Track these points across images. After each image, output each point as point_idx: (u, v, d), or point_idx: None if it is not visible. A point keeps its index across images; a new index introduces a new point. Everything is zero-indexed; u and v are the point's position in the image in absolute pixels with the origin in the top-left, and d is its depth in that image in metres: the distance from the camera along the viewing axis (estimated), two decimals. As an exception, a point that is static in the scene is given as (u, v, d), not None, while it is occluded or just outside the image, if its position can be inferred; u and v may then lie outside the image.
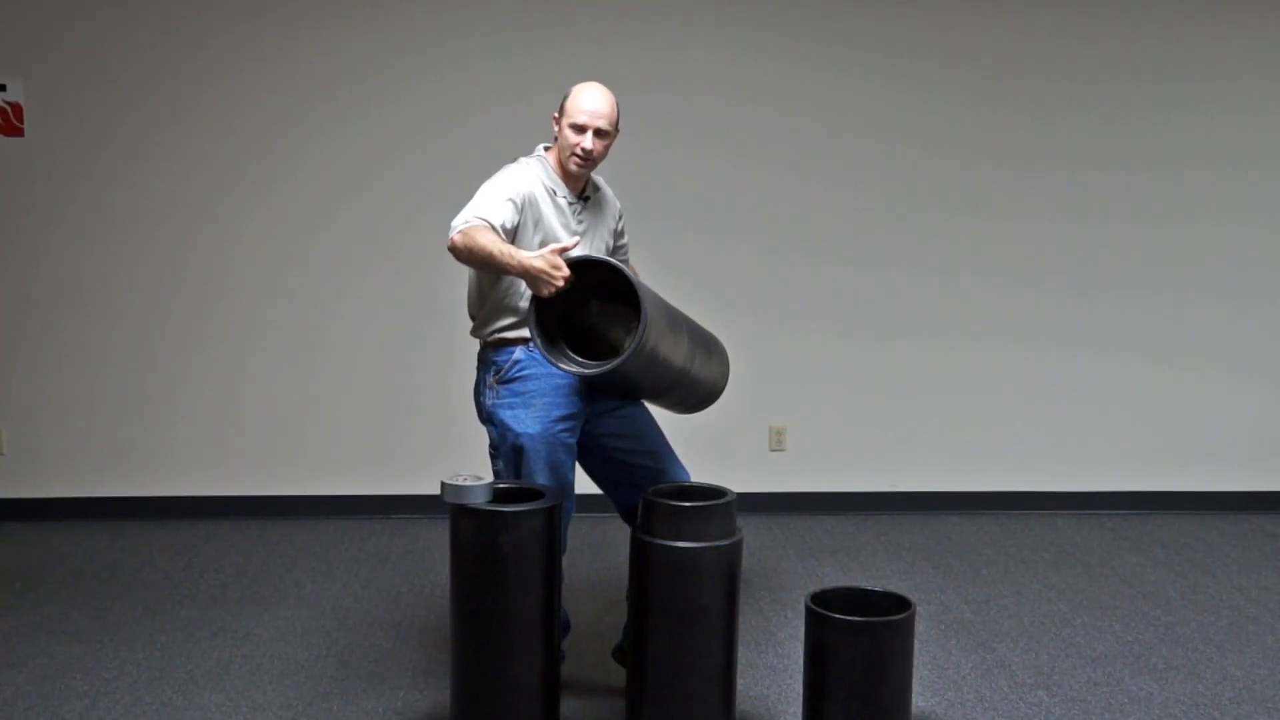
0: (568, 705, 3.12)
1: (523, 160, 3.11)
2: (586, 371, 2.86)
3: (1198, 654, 3.62)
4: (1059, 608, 4.01)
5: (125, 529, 4.80)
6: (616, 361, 2.79)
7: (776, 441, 5.15)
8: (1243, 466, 5.30)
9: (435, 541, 4.64)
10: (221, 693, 3.26)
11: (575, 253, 2.91)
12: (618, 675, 3.29)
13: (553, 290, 2.76)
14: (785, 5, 4.94)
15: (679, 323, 3.03)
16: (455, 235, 2.85)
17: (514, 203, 2.95)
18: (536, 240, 3.01)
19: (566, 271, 2.76)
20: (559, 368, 2.87)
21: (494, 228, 2.86)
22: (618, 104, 3.07)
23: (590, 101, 3.01)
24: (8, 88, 4.73)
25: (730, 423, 4.98)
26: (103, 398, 4.92)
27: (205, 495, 4.99)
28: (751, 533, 4.71)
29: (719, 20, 4.92)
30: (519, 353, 3.05)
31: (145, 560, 4.43)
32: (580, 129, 3.00)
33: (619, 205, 3.32)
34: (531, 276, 2.77)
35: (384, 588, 4.15)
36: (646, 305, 2.75)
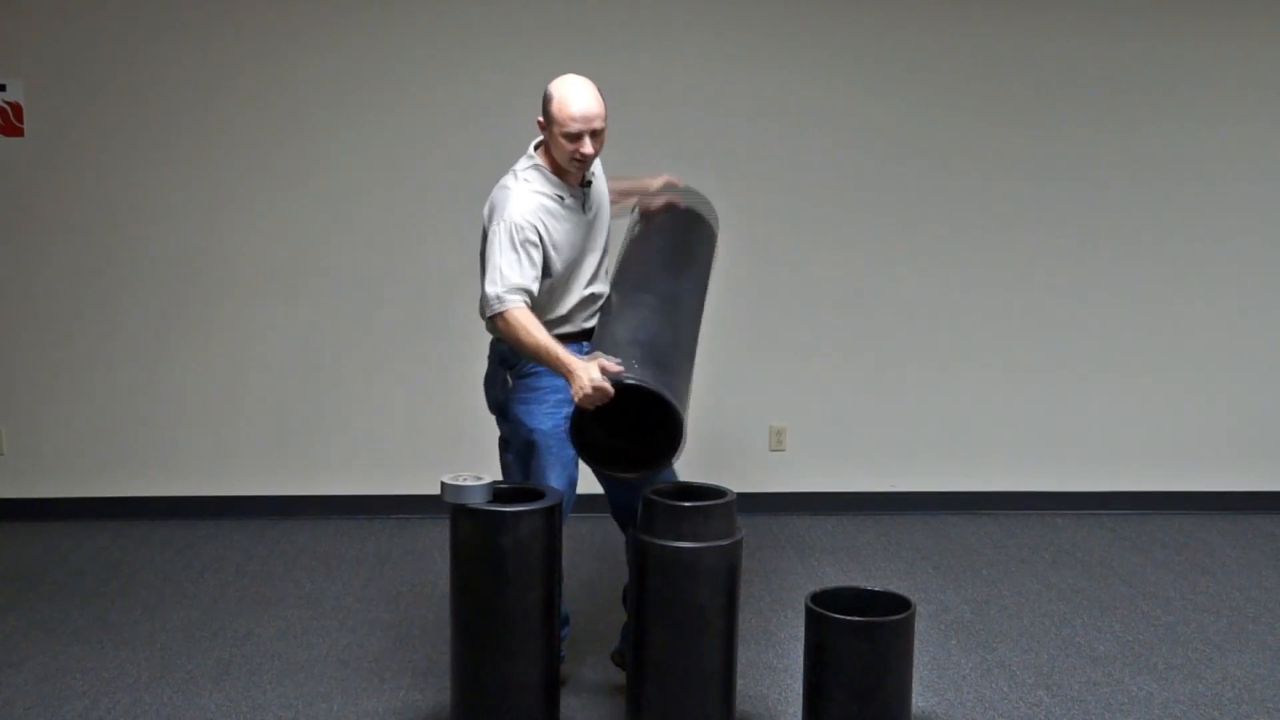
0: (568, 705, 3.12)
1: (520, 175, 3.03)
2: (627, 476, 2.96)
3: (1198, 654, 3.62)
4: (1059, 608, 4.01)
5: (125, 529, 4.80)
6: (656, 472, 2.96)
7: (776, 441, 5.14)
8: (1243, 466, 5.30)
9: (435, 541, 4.63)
10: (221, 693, 3.26)
11: (614, 365, 2.81)
12: (618, 675, 3.29)
13: (585, 395, 2.75)
14: (788, 14, 4.92)
15: (690, 373, 3.08)
16: (499, 319, 2.89)
17: (536, 246, 2.94)
18: (558, 260, 3.00)
19: (605, 385, 2.74)
20: (609, 476, 3.02)
21: (531, 295, 2.90)
22: (600, 92, 2.96)
23: (578, 105, 2.89)
24: (8, 88, 4.73)
25: (730, 423, 4.98)
26: (103, 398, 4.92)
27: (205, 495, 4.99)
28: (751, 533, 4.68)
29: (721, 28, 4.91)
30: None
31: (145, 560, 4.43)
32: (576, 137, 2.91)
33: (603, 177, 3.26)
34: (571, 380, 2.79)
35: (384, 588, 4.15)
36: (683, 432, 2.83)
